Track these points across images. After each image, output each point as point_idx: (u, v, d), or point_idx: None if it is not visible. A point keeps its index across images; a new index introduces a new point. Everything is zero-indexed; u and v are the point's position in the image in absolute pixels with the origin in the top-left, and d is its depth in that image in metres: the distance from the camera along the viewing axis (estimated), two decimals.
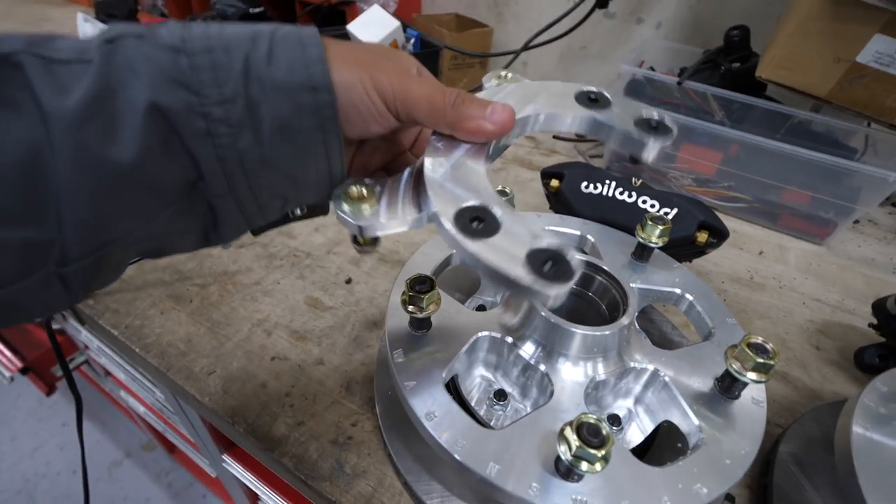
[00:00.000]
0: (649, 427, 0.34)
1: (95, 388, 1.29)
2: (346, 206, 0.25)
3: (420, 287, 0.32)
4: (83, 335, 0.82)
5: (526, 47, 0.74)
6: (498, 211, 0.24)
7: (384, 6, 0.74)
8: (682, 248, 0.47)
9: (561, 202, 0.51)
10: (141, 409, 1.03)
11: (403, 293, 0.32)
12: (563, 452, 0.24)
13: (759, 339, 0.30)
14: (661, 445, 0.36)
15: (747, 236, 0.68)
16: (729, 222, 0.70)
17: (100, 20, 1.02)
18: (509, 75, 0.33)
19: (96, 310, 0.46)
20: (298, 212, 0.28)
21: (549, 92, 0.31)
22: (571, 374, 0.33)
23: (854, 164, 0.58)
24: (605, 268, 0.37)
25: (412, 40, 0.79)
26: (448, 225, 0.23)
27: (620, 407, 0.36)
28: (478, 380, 0.37)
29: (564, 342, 0.32)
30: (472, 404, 0.35)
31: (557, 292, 0.21)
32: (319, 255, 0.55)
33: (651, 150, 0.27)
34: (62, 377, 1.11)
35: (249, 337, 0.45)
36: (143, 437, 1.42)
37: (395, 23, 0.69)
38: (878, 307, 0.48)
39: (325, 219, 0.61)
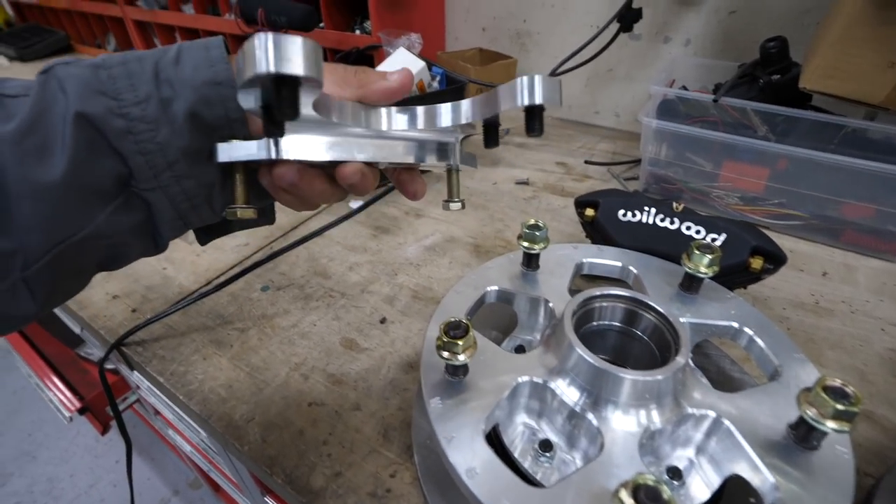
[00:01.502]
0: (715, 481, 0.31)
1: (147, 426, 1.33)
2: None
3: (455, 332, 0.31)
4: (135, 376, 0.85)
5: (552, 74, 0.74)
6: None
7: (409, 48, 0.76)
8: (733, 275, 0.44)
9: (598, 232, 0.49)
10: (187, 449, 1.05)
11: (438, 338, 0.31)
12: None
13: (838, 382, 0.27)
14: (732, 501, 0.33)
15: (807, 256, 0.63)
16: (784, 241, 0.65)
17: None
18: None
19: (144, 356, 0.48)
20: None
21: None
22: (623, 424, 0.30)
23: None
24: (652, 303, 0.35)
25: (437, 78, 0.80)
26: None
27: (680, 457, 0.33)
28: (520, 428, 0.35)
29: (612, 388, 0.30)
30: (516, 455, 0.33)
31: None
32: (354, 294, 0.55)
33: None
34: (113, 417, 1.16)
35: (287, 381, 0.45)
36: (190, 474, 1.45)
37: (421, 63, 0.71)
38: None
39: (359, 257, 0.61)
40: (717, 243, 0.44)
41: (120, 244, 0.29)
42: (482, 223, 0.70)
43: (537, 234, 0.41)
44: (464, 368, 0.33)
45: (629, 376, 0.29)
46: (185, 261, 0.62)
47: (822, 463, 0.28)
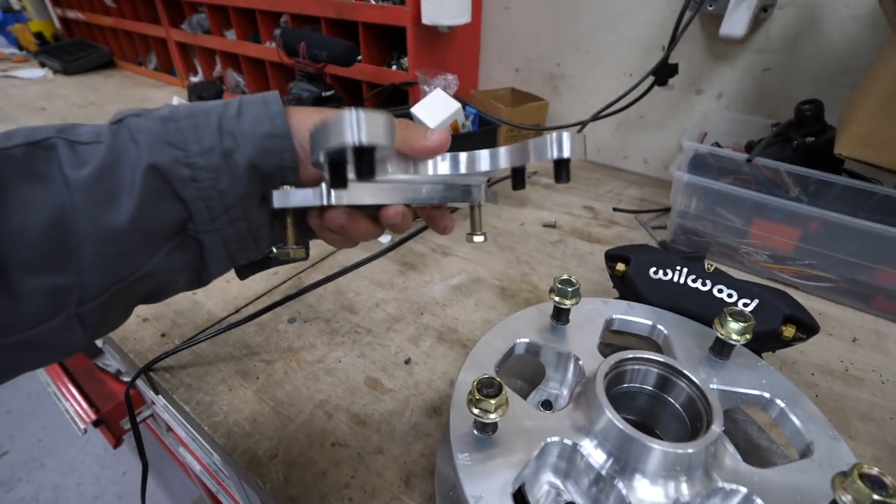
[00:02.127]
0: None
1: (157, 440, 1.34)
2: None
3: (488, 391, 0.31)
4: (157, 397, 0.87)
5: (586, 123, 0.76)
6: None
7: (445, 88, 0.79)
8: (764, 341, 0.44)
9: (628, 287, 0.50)
10: (197, 468, 1.05)
11: (470, 394, 0.32)
12: None
13: (875, 471, 0.27)
14: None
15: (836, 319, 0.62)
16: (813, 303, 0.64)
17: (191, 101, 1.16)
18: None
19: (172, 383, 0.49)
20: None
21: None
22: (650, 494, 0.30)
23: None
24: (685, 371, 0.35)
25: (471, 117, 0.83)
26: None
27: None
28: (545, 487, 0.35)
29: (641, 457, 0.30)
30: None
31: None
32: (380, 332, 0.56)
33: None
34: (129, 430, 1.17)
35: (311, 419, 0.45)
36: (196, 491, 1.44)
37: (457, 105, 0.73)
38: None
39: (385, 293, 0.63)
40: (749, 308, 0.44)
41: (168, 281, 0.32)
42: (508, 265, 0.71)
43: (570, 289, 0.41)
44: (493, 426, 0.33)
45: (660, 447, 0.29)
46: (215, 287, 0.64)
47: None
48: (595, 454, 0.32)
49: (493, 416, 0.31)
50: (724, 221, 0.68)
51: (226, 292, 0.63)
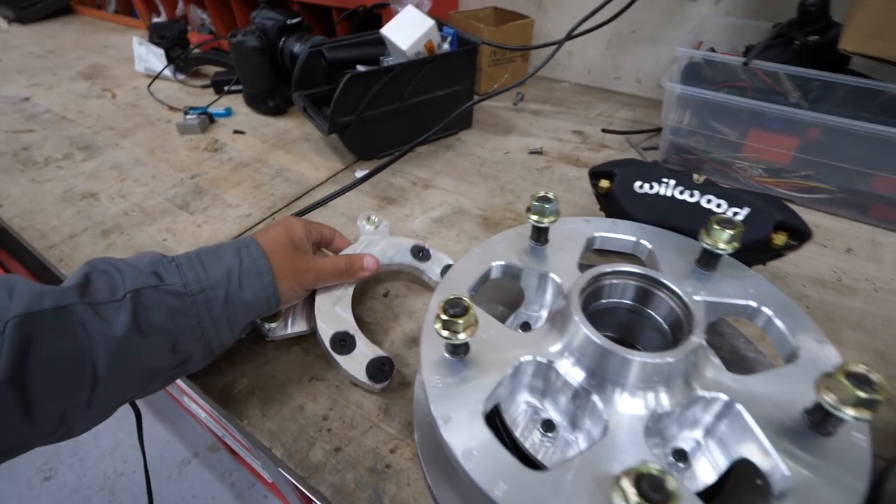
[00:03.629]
0: (723, 464, 0.30)
1: (164, 392, 1.38)
2: (262, 321, 0.43)
3: (454, 311, 0.29)
4: None
5: (569, 36, 0.69)
6: (355, 334, 0.42)
7: (419, 6, 0.72)
8: (754, 251, 0.42)
9: (612, 205, 0.47)
10: (202, 415, 1.08)
11: (437, 316, 0.30)
12: None
13: (861, 368, 0.25)
14: (739, 484, 0.32)
15: (831, 231, 0.59)
16: (808, 216, 0.61)
17: (153, 42, 1.08)
18: (375, 218, 0.53)
19: None
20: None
21: (394, 246, 0.51)
22: (629, 406, 0.29)
23: None
24: (665, 281, 0.33)
25: (448, 38, 0.76)
26: (326, 342, 0.42)
27: (688, 439, 0.31)
28: (523, 406, 0.34)
29: (619, 370, 0.29)
30: (518, 435, 0.32)
31: (381, 387, 0.40)
32: None
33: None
34: None
35: (288, 356, 0.44)
36: (208, 437, 1.50)
37: (430, 22, 0.67)
38: None
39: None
40: (739, 217, 0.41)
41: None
42: (492, 194, 0.68)
43: (547, 206, 0.38)
44: (464, 347, 0.31)
45: (637, 358, 0.28)
46: (186, 231, 0.61)
47: (837, 449, 0.27)
48: (571, 371, 0.31)
49: (462, 336, 0.29)
50: (718, 135, 0.64)
51: (197, 236, 0.60)
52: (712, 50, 0.66)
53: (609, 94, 0.96)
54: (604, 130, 0.80)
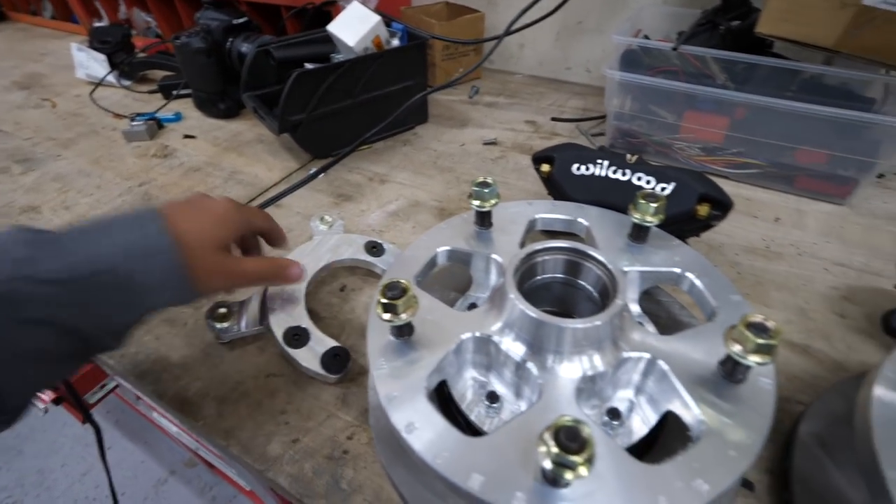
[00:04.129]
0: (653, 419, 0.32)
1: (134, 411, 1.34)
2: (213, 322, 0.44)
3: (392, 293, 0.31)
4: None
5: (508, 32, 0.71)
6: (309, 328, 0.44)
7: (365, 2, 0.72)
8: (684, 223, 0.45)
9: (554, 187, 0.49)
10: (173, 430, 1.06)
11: (377, 301, 0.31)
12: (543, 460, 0.23)
13: (759, 318, 0.28)
14: (672, 437, 0.34)
15: (762, 203, 0.64)
16: (741, 190, 0.66)
17: (93, 48, 1.04)
18: (329, 218, 0.55)
19: None
20: None
21: (348, 242, 0.53)
22: (562, 370, 0.31)
23: (870, 116, 0.53)
24: (591, 252, 0.35)
25: (398, 34, 0.77)
26: (279, 337, 0.43)
27: (622, 399, 0.34)
28: (470, 382, 0.35)
29: (551, 337, 0.31)
30: (464, 408, 0.33)
31: (337, 377, 0.41)
32: None
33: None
34: (95, 404, 1.15)
35: (243, 356, 0.45)
36: (184, 453, 1.47)
37: (376, 18, 0.67)
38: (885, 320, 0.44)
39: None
40: (666, 192, 0.44)
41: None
42: (448, 186, 0.69)
43: (486, 191, 0.40)
44: (408, 328, 0.33)
45: (566, 325, 0.30)
46: None
47: (747, 393, 0.29)
48: (510, 344, 0.33)
49: (404, 316, 0.31)
50: (657, 119, 0.67)
51: None
52: (646, 37, 0.69)
53: (561, 84, 0.99)
54: (553, 119, 0.82)
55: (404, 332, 0.33)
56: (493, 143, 0.78)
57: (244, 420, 0.39)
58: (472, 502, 0.29)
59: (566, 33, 0.95)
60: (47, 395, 0.98)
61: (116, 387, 1.13)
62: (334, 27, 0.67)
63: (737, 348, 0.28)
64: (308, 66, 0.71)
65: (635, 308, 0.40)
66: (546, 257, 0.36)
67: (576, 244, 0.36)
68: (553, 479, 0.25)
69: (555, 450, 0.22)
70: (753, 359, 0.28)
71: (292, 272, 0.43)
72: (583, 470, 0.22)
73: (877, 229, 0.59)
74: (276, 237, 0.45)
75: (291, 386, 0.42)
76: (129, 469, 1.48)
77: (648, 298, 0.45)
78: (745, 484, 0.35)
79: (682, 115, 0.65)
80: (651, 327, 0.39)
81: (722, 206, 0.44)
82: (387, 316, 0.31)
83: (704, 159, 0.67)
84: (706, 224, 0.47)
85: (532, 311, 0.31)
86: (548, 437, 0.23)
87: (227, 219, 0.37)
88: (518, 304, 0.32)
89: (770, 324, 0.28)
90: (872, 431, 0.28)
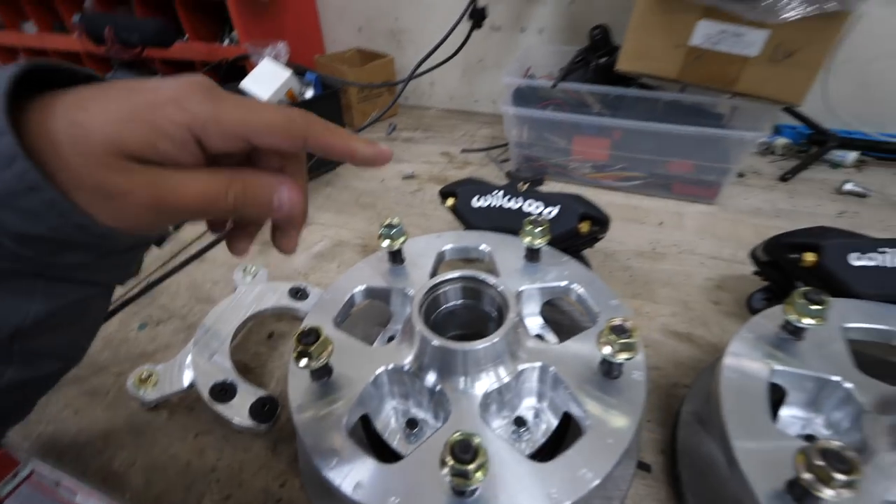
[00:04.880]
0: (554, 422, 0.37)
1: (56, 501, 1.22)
2: (134, 387, 0.43)
3: (307, 339, 0.33)
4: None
5: (412, 77, 0.77)
6: (235, 381, 0.44)
7: (276, 57, 0.75)
8: (572, 240, 0.51)
9: (460, 218, 0.54)
10: None
11: (293, 350, 0.33)
12: (446, 474, 0.26)
13: (618, 321, 0.33)
14: (574, 435, 0.38)
15: (647, 209, 0.72)
16: (631, 200, 0.74)
17: None
18: (252, 268, 0.56)
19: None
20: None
21: (272, 290, 0.54)
22: (469, 389, 0.35)
23: (716, 131, 0.64)
24: (483, 278, 0.39)
25: (312, 83, 0.80)
26: (205, 394, 0.43)
27: (528, 407, 0.38)
28: (391, 412, 0.38)
29: (454, 361, 0.34)
30: (387, 437, 0.36)
31: (267, 426, 0.42)
32: None
33: None
34: (5, 498, 1.04)
35: (172, 417, 0.45)
36: None
37: (287, 72, 0.70)
38: (753, 255, 0.53)
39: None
40: (552, 215, 0.50)
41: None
42: (370, 222, 0.72)
43: (393, 231, 0.44)
44: (325, 370, 0.35)
45: (463, 348, 0.34)
46: None
47: (623, 386, 0.34)
48: (420, 371, 0.36)
49: (322, 360, 0.33)
50: (551, 144, 0.75)
51: None
52: (531, 76, 0.78)
53: (471, 116, 1.06)
54: (463, 150, 0.89)
55: (322, 375, 0.35)
56: (411, 176, 0.83)
57: (173, 484, 0.39)
58: None
59: (470, 71, 1.03)
60: None
61: (31, 474, 1.03)
62: (247, 84, 0.69)
63: (607, 350, 0.33)
64: None
65: (537, 321, 0.45)
66: (447, 287, 0.40)
67: (469, 272, 0.40)
68: (459, 491, 0.28)
69: (451, 463, 0.25)
70: (621, 357, 0.32)
71: (282, 198, 0.25)
72: (479, 476, 0.26)
73: (741, 223, 0.69)
74: (336, 145, 0.25)
75: (221, 441, 0.42)
76: None
77: (553, 308, 0.50)
78: (642, 466, 0.40)
79: (571, 139, 0.73)
80: (552, 336, 0.44)
81: (600, 222, 0.50)
82: (303, 362, 0.33)
83: (596, 175, 0.75)
84: (593, 239, 0.53)
85: (435, 340, 0.34)
86: (446, 453, 0.26)
87: (167, 110, 0.21)
88: (423, 334, 0.35)
89: (628, 324, 0.33)
90: (721, 402, 0.34)
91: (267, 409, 0.42)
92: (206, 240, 0.69)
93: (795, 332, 0.38)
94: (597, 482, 0.29)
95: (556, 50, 0.88)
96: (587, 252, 0.62)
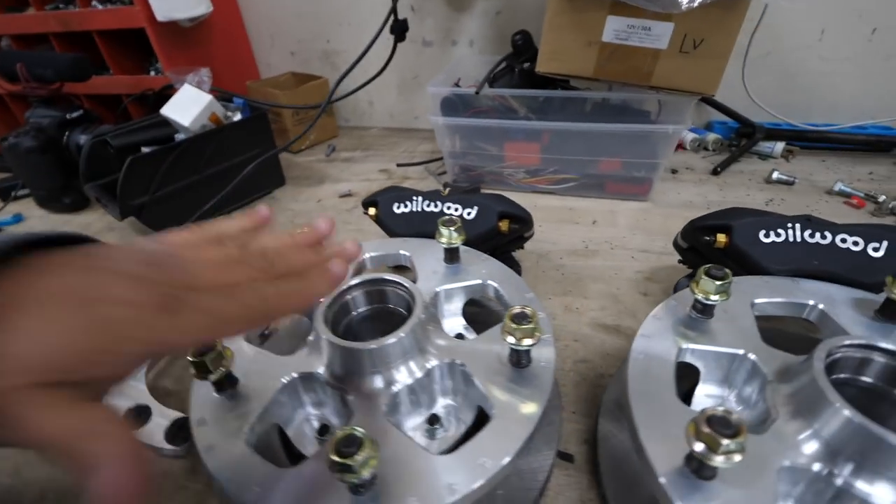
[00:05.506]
0: (469, 417, 0.36)
1: None
2: None
3: (202, 352, 0.32)
4: None
5: (330, 101, 0.79)
6: (150, 404, 0.43)
7: (199, 84, 0.75)
8: (494, 240, 0.51)
9: (383, 226, 0.54)
10: None
11: (190, 367, 0.32)
12: (333, 471, 0.25)
13: (517, 308, 0.33)
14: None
15: (582, 210, 0.74)
16: (566, 202, 0.76)
17: None
18: None
19: None
20: None
21: None
22: (375, 390, 0.34)
23: (641, 126, 0.66)
24: (389, 277, 0.39)
25: (240, 108, 0.81)
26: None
27: (444, 406, 0.38)
28: (303, 420, 0.37)
29: (358, 361, 0.34)
30: (299, 445, 0.35)
31: (184, 447, 0.40)
32: None
33: None
34: None
35: None
36: None
37: (208, 97, 0.71)
38: (675, 244, 0.55)
39: None
40: (472, 216, 0.50)
41: None
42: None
43: None
44: (225, 381, 0.34)
45: (364, 346, 0.33)
46: None
47: (531, 375, 0.34)
48: (327, 375, 0.35)
49: (220, 371, 0.32)
50: (484, 152, 0.77)
51: None
52: (457, 85, 0.80)
53: (412, 132, 1.08)
54: (398, 165, 0.90)
55: (224, 386, 0.34)
56: (348, 194, 0.83)
57: None
58: None
59: (406, 88, 1.05)
60: None
61: None
62: (167, 110, 0.69)
63: (510, 339, 0.33)
64: (145, 149, 0.72)
65: (459, 321, 0.45)
66: (354, 293, 0.40)
67: (376, 275, 0.40)
68: (352, 488, 0.27)
69: (335, 458, 0.25)
70: (525, 343, 0.33)
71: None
72: (365, 470, 0.25)
73: (672, 216, 0.72)
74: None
75: None
76: None
77: (482, 309, 0.50)
78: (564, 456, 0.40)
79: (502, 146, 0.74)
80: (472, 334, 0.44)
81: (520, 220, 0.51)
82: (200, 374, 0.32)
83: (531, 181, 0.77)
84: (520, 237, 0.54)
85: (335, 340, 0.34)
86: (331, 451, 0.25)
87: (119, 334, 0.19)
88: (324, 336, 0.35)
89: (528, 310, 0.33)
90: (628, 384, 0.34)
91: (183, 430, 0.41)
92: None
93: (705, 310, 0.39)
94: (495, 470, 0.29)
95: (485, 60, 0.91)
96: (519, 254, 0.63)
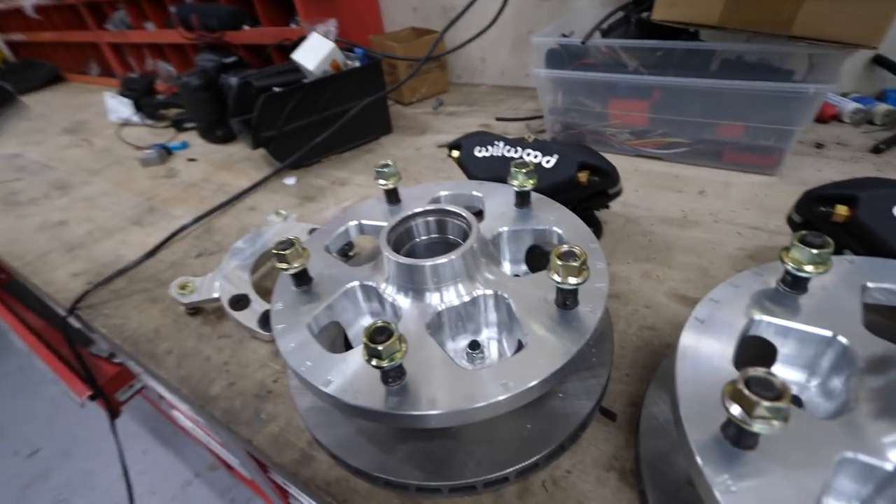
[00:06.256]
0: (513, 346, 0.38)
1: (159, 412, 1.46)
2: (175, 291, 0.52)
3: (283, 245, 0.38)
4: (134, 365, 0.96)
5: (431, 55, 0.80)
6: (249, 294, 0.51)
7: (326, 34, 0.83)
8: (573, 192, 0.50)
9: (463, 169, 0.56)
10: (189, 425, 1.16)
11: (274, 253, 0.39)
12: (365, 356, 0.29)
13: (566, 247, 0.33)
14: None
15: (690, 178, 0.67)
16: (672, 169, 0.70)
17: (123, 95, 1.22)
18: (283, 212, 0.63)
19: (92, 315, 0.57)
20: None
21: (293, 229, 0.60)
22: (424, 305, 0.37)
23: (770, 84, 0.57)
24: (451, 209, 0.41)
25: (358, 57, 0.87)
26: (226, 303, 0.51)
27: (488, 336, 0.39)
28: (362, 327, 0.42)
29: (412, 277, 0.37)
30: (355, 345, 0.40)
31: (271, 334, 0.38)
32: None
33: None
34: (124, 402, 1.28)
35: (205, 322, 0.53)
36: (208, 457, 1.57)
37: (331, 45, 0.78)
38: (789, 220, 0.47)
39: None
40: (550, 165, 0.49)
41: None
42: (398, 183, 0.76)
43: (386, 170, 0.47)
44: (303, 277, 0.40)
45: (419, 263, 0.36)
46: (136, 241, 0.71)
47: (574, 318, 0.34)
48: (387, 288, 0.39)
49: (296, 264, 0.38)
50: (587, 109, 0.73)
51: (146, 243, 0.70)
52: (564, 35, 0.76)
53: (520, 91, 1.06)
54: (497, 119, 0.89)
55: (302, 282, 0.40)
56: (444, 145, 0.85)
57: (195, 370, 0.47)
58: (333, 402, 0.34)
59: (520, 43, 1.02)
60: (83, 391, 1.11)
61: (143, 387, 1.25)
62: (297, 55, 0.78)
63: (556, 276, 0.33)
64: (276, 89, 0.82)
65: (520, 267, 0.46)
66: (418, 220, 0.43)
67: (438, 206, 0.42)
68: (382, 377, 0.31)
69: (368, 343, 0.28)
70: (571, 281, 0.32)
71: None
72: (390, 360, 0.28)
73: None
74: None
75: (237, 344, 0.50)
76: (160, 471, 1.60)
77: (545, 255, 0.49)
78: (606, 412, 0.39)
79: (607, 103, 0.70)
80: (502, 269, 0.44)
81: (601, 172, 0.49)
82: (282, 266, 0.38)
83: (635, 142, 0.71)
84: (603, 193, 0.52)
85: (393, 255, 0.37)
86: (365, 338, 0.29)
87: None
88: (385, 253, 0.38)
89: (576, 249, 0.33)
90: (680, 348, 0.32)
91: None
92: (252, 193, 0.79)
93: (795, 283, 0.35)
94: (514, 392, 0.30)
95: (604, 12, 0.85)
96: (606, 215, 0.60)
